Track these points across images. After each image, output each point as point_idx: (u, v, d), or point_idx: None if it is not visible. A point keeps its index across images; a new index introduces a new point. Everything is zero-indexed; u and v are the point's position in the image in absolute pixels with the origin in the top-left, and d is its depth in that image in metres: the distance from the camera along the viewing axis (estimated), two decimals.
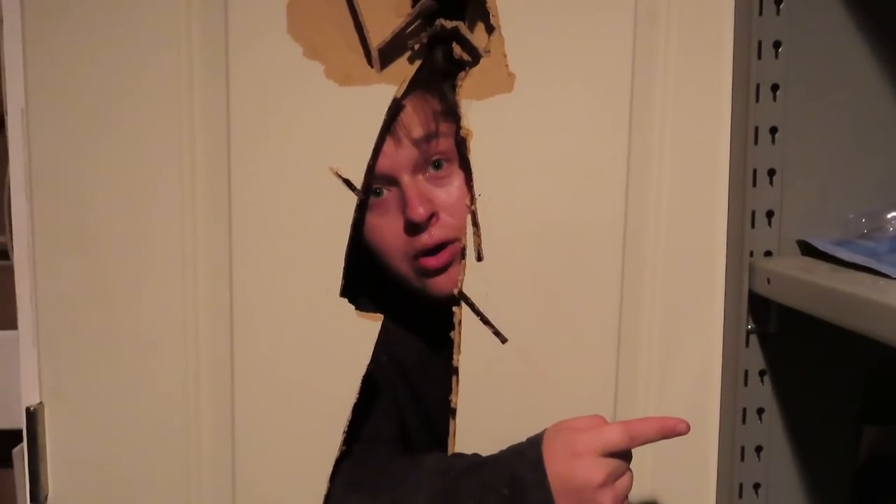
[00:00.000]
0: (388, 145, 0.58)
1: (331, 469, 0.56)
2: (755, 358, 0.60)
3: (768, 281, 0.55)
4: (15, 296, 0.54)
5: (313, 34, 0.53)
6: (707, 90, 0.57)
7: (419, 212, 0.58)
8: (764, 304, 0.58)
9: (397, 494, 0.54)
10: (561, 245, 0.57)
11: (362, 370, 0.56)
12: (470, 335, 0.57)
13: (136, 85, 0.53)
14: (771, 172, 0.59)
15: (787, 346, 0.60)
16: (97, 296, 0.54)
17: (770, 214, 0.59)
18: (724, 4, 0.57)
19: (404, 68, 0.56)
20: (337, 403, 0.56)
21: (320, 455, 0.56)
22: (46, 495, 0.55)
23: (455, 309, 0.57)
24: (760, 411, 0.61)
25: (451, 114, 0.59)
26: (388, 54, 0.55)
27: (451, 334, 0.57)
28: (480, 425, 0.58)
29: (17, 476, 0.85)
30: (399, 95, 0.55)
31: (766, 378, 0.60)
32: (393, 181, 0.60)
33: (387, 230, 0.61)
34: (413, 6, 0.55)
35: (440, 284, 0.60)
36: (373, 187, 0.60)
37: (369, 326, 0.56)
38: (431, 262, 0.60)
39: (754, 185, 0.58)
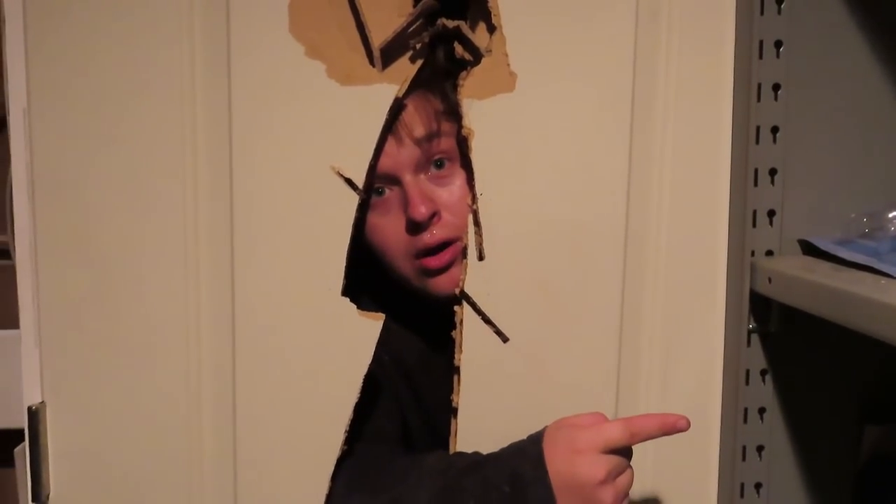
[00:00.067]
0: (390, 145, 0.58)
1: (332, 468, 0.56)
2: (756, 357, 0.60)
3: (770, 280, 0.56)
4: (17, 295, 0.54)
5: (315, 34, 0.54)
6: (708, 90, 0.57)
7: (421, 211, 0.58)
8: (765, 303, 0.58)
9: (398, 493, 0.54)
10: (562, 244, 0.57)
11: (364, 369, 0.56)
12: (471, 334, 0.57)
13: (137, 85, 0.53)
14: (772, 172, 0.59)
15: (789, 346, 0.60)
16: (99, 295, 0.54)
17: (771, 214, 0.59)
18: (726, 4, 0.57)
19: (406, 68, 0.56)
20: (338, 403, 0.56)
21: (322, 454, 0.56)
22: (48, 494, 0.55)
23: (456, 308, 0.57)
24: (762, 411, 0.61)
25: (453, 113, 0.59)
26: (389, 54, 0.55)
27: (453, 334, 0.57)
28: (482, 424, 0.58)
29: (19, 475, 0.85)
30: (401, 95, 0.55)
31: (768, 377, 0.60)
32: (395, 180, 0.60)
33: (388, 229, 0.61)
34: (415, 6, 0.55)
35: (442, 284, 0.60)
36: (374, 186, 0.60)
37: (371, 326, 0.56)
38: (433, 261, 0.60)
39: (756, 184, 0.59)
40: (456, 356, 0.57)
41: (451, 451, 0.58)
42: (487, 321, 0.57)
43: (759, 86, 0.58)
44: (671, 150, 0.58)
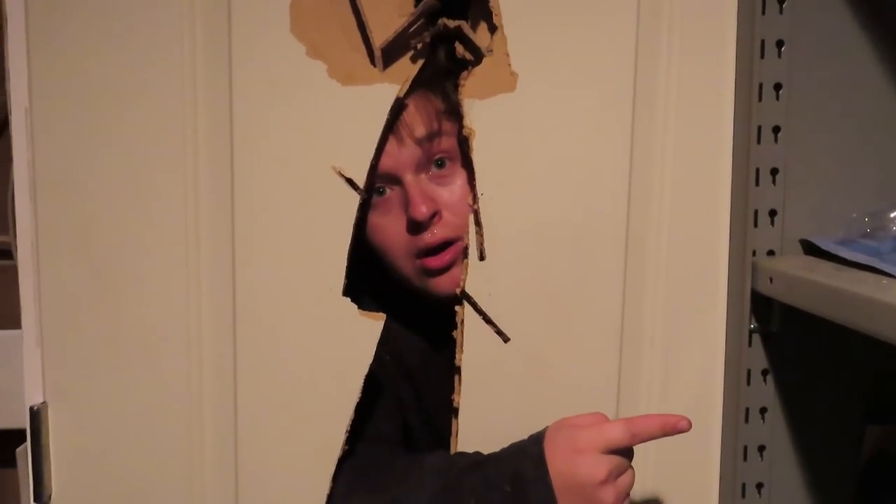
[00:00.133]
0: (391, 144, 0.58)
1: (333, 468, 0.56)
2: (758, 357, 0.60)
3: (771, 280, 0.55)
4: (18, 295, 0.54)
5: (316, 34, 0.54)
6: (710, 89, 0.57)
7: (422, 210, 0.58)
8: (767, 303, 0.58)
9: (399, 492, 0.54)
10: (563, 244, 0.57)
11: (365, 369, 0.56)
12: (472, 335, 0.57)
13: (139, 84, 0.53)
14: (774, 171, 0.59)
15: (790, 346, 0.60)
16: (101, 295, 0.54)
17: (773, 214, 0.59)
18: (727, 4, 0.57)
19: (407, 68, 0.56)
20: (339, 403, 0.56)
21: (323, 454, 0.56)
22: (50, 494, 0.55)
23: (457, 308, 0.57)
24: (763, 411, 0.61)
25: (454, 113, 0.59)
26: (390, 54, 0.55)
27: (454, 334, 0.57)
28: (483, 424, 0.58)
29: (21, 475, 0.85)
30: (402, 95, 0.55)
31: (769, 377, 0.60)
32: (396, 180, 0.60)
33: (389, 229, 0.61)
34: (416, 6, 0.55)
35: (443, 284, 0.60)
36: (375, 186, 0.60)
37: (372, 326, 0.56)
38: (434, 261, 0.60)
39: (757, 184, 0.58)
40: (457, 356, 0.57)
41: (452, 451, 0.58)
42: (488, 321, 0.57)
43: (761, 85, 0.58)
44: (672, 149, 0.57)
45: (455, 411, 0.58)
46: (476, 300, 0.57)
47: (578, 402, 0.57)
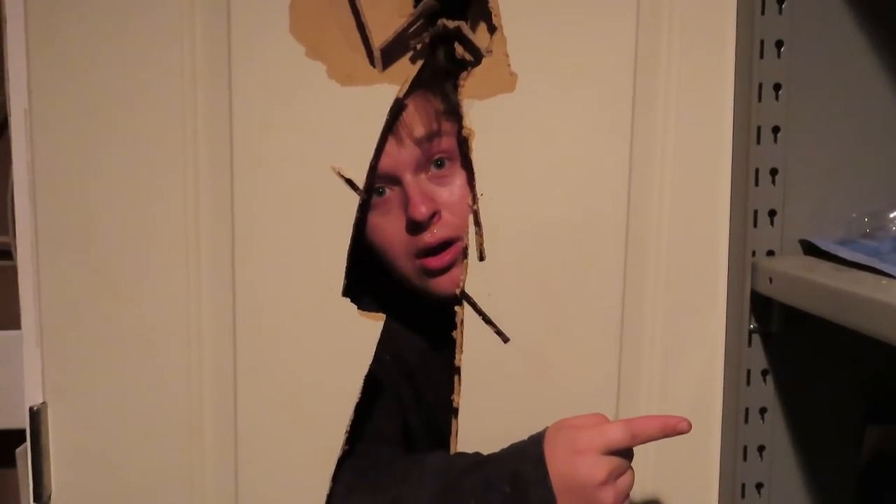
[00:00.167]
0: (391, 145, 0.58)
1: (333, 468, 0.56)
2: (758, 357, 0.60)
3: (771, 280, 0.55)
4: (18, 296, 0.54)
5: (315, 34, 0.54)
6: (709, 90, 0.57)
7: (421, 210, 0.58)
8: (766, 303, 0.58)
9: (399, 492, 0.55)
10: (563, 244, 0.57)
11: (364, 370, 0.56)
12: (472, 335, 0.57)
13: (138, 85, 0.53)
14: (773, 172, 0.59)
15: (790, 346, 0.60)
16: (100, 296, 0.54)
17: (772, 214, 0.59)
18: (727, 4, 0.57)
19: (406, 68, 0.56)
20: (339, 403, 0.56)
21: (323, 454, 0.56)
22: (50, 495, 0.55)
23: (457, 308, 0.57)
24: (763, 411, 0.61)
25: (454, 113, 0.59)
26: (390, 54, 0.55)
27: (454, 334, 0.57)
28: (483, 425, 0.58)
29: (21, 475, 0.85)
30: (401, 95, 0.55)
31: (769, 378, 0.60)
32: (395, 180, 0.60)
33: (389, 229, 0.61)
34: (415, 6, 0.55)
35: (442, 284, 0.60)
36: (375, 186, 0.60)
37: (371, 326, 0.56)
38: (433, 262, 0.60)
39: (756, 184, 0.58)
40: (457, 356, 0.57)
41: (452, 451, 0.58)
42: (488, 321, 0.57)
43: (761, 85, 0.58)
44: (672, 150, 0.57)
45: (455, 411, 0.58)
46: (476, 300, 0.57)
47: (578, 403, 0.57)
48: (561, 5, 0.55)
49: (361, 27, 0.54)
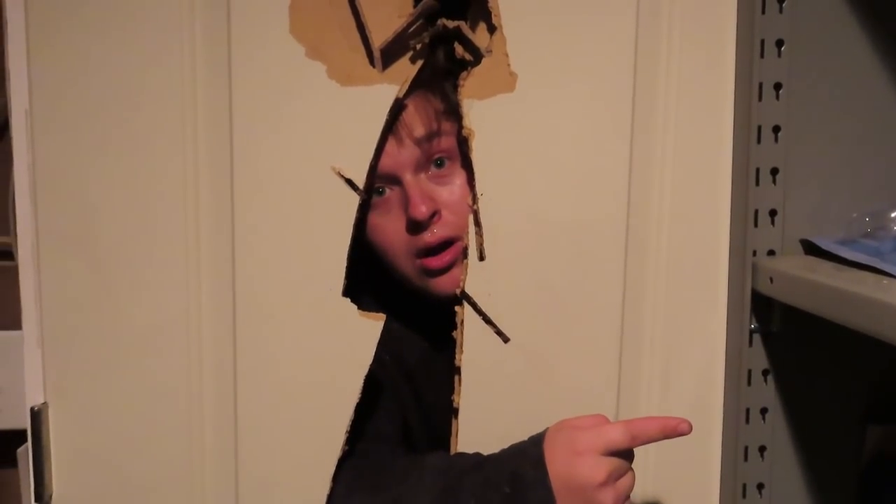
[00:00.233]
0: (391, 145, 0.58)
1: (333, 468, 0.56)
2: (758, 357, 0.60)
3: (771, 280, 0.55)
4: (19, 296, 0.54)
5: (315, 35, 0.54)
6: (710, 89, 0.57)
7: (421, 210, 0.58)
8: (767, 303, 0.58)
9: (399, 492, 0.55)
10: (563, 244, 0.57)
11: (364, 370, 0.56)
12: (472, 335, 0.57)
13: (139, 86, 0.53)
14: (774, 171, 0.58)
15: (791, 346, 0.60)
16: (101, 296, 0.54)
17: (773, 213, 0.59)
18: (727, 3, 0.57)
19: (406, 68, 0.56)
20: (339, 403, 0.56)
21: (323, 454, 0.56)
22: (51, 495, 0.55)
23: (457, 309, 0.57)
24: (764, 411, 0.61)
25: (454, 113, 0.59)
26: (390, 54, 0.55)
27: (454, 334, 0.57)
28: (483, 425, 0.58)
29: (22, 476, 0.85)
30: (401, 95, 0.55)
31: (770, 378, 0.60)
32: (395, 180, 0.60)
33: (389, 229, 0.61)
34: (415, 6, 0.55)
35: (443, 284, 0.60)
36: (375, 186, 0.60)
37: (371, 326, 0.56)
38: (434, 262, 0.60)
39: (757, 184, 0.58)
40: (457, 356, 0.57)
41: (452, 451, 0.58)
42: (488, 321, 0.57)
43: (761, 85, 0.57)
44: (672, 149, 0.57)
45: (455, 412, 0.58)
46: (476, 300, 0.57)
47: (578, 403, 0.57)
48: (561, 5, 0.55)
49: (361, 27, 0.54)
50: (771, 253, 0.59)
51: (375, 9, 0.54)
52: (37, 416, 0.54)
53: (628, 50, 0.56)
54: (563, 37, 0.55)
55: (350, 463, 0.57)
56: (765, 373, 0.60)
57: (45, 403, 0.55)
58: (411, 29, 0.55)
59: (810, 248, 0.59)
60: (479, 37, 0.56)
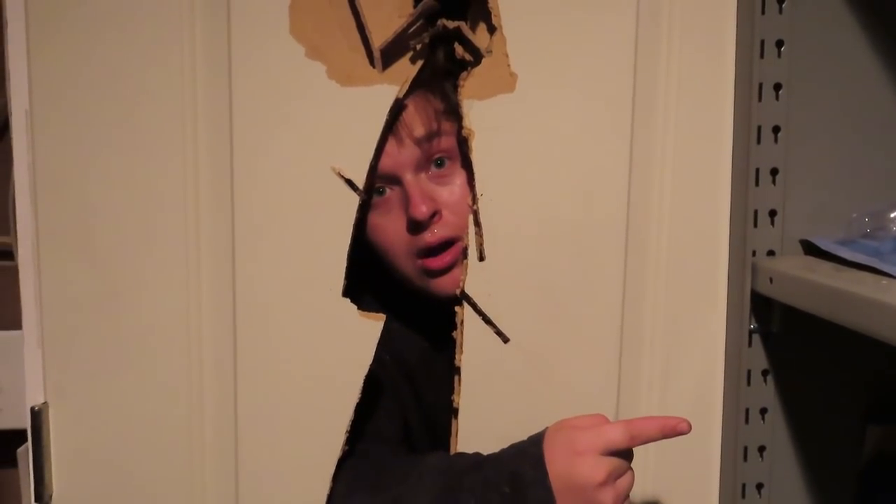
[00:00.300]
0: (391, 145, 0.58)
1: (333, 468, 0.56)
2: (758, 358, 0.60)
3: (771, 280, 0.55)
4: (19, 296, 0.54)
5: (315, 35, 0.54)
6: (709, 89, 0.57)
7: (422, 210, 0.58)
8: (767, 303, 0.58)
9: (399, 492, 0.55)
10: (563, 244, 0.57)
11: (364, 370, 0.56)
12: (472, 335, 0.57)
13: (139, 86, 0.53)
14: (774, 172, 0.58)
15: (790, 346, 0.60)
16: (101, 296, 0.54)
17: (773, 214, 0.59)
18: (727, 3, 0.57)
19: (406, 68, 0.56)
20: (339, 403, 0.56)
21: (323, 454, 0.56)
22: (51, 495, 0.55)
23: (457, 309, 0.57)
24: (763, 411, 0.61)
25: (454, 113, 0.59)
26: (390, 55, 0.55)
27: (454, 334, 0.57)
28: (483, 425, 0.58)
29: (22, 476, 0.85)
30: (401, 95, 0.55)
31: (769, 378, 0.60)
32: (395, 180, 0.60)
33: (390, 229, 0.61)
34: (415, 7, 0.55)
35: (443, 285, 0.60)
36: (375, 186, 0.60)
37: (371, 326, 0.56)
38: (434, 262, 0.60)
39: (757, 184, 0.58)
40: (457, 357, 0.57)
41: (452, 451, 0.58)
42: (488, 322, 0.57)
43: (761, 85, 0.57)
44: (672, 149, 0.57)
45: (455, 412, 0.58)
46: (476, 301, 0.57)
47: (578, 403, 0.57)
48: (561, 5, 0.55)
49: (361, 28, 0.54)
50: (771, 253, 0.59)
51: (375, 9, 0.54)
52: (37, 415, 0.54)
53: (628, 50, 0.56)
54: (563, 37, 0.56)
55: (350, 463, 0.57)
56: (764, 373, 0.60)
57: (45, 403, 0.55)
58: (411, 29, 0.55)
59: (810, 249, 0.59)
60: (479, 37, 0.56)
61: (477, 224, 0.57)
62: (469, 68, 0.56)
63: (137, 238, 0.54)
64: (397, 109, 0.57)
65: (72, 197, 0.54)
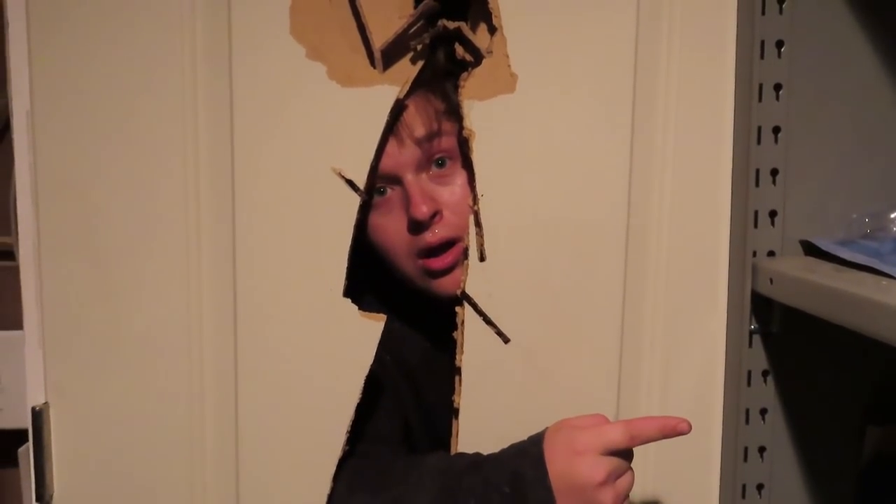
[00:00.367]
0: (391, 145, 0.58)
1: (334, 468, 0.56)
2: (758, 358, 0.60)
3: (771, 281, 0.55)
4: (21, 296, 0.54)
5: (316, 36, 0.54)
6: (710, 90, 0.57)
7: (422, 210, 0.58)
8: (767, 304, 0.58)
9: (399, 492, 0.55)
10: (563, 245, 0.57)
11: (365, 370, 0.56)
12: (473, 335, 0.57)
13: (140, 87, 0.53)
14: (774, 172, 0.58)
15: (791, 347, 0.60)
16: (102, 296, 0.54)
17: (773, 214, 0.59)
18: (727, 4, 0.57)
19: (407, 69, 0.56)
20: (340, 403, 0.56)
21: (324, 455, 0.56)
22: (52, 494, 0.55)
23: (458, 309, 0.57)
24: (763, 412, 0.61)
25: (454, 113, 0.59)
26: (390, 55, 0.55)
27: (454, 334, 0.58)
28: (483, 425, 0.58)
29: (23, 475, 0.85)
30: (401, 96, 0.55)
31: (770, 378, 0.60)
32: (396, 180, 0.60)
33: (391, 229, 0.61)
34: (415, 7, 0.55)
35: (445, 285, 0.60)
36: (376, 186, 0.60)
37: (372, 327, 0.56)
38: (436, 263, 0.60)
39: (757, 184, 0.58)
40: (457, 357, 0.57)
41: (452, 451, 0.58)
42: (489, 322, 0.57)
43: (761, 86, 0.58)
44: (672, 150, 0.57)
45: (455, 412, 0.58)
46: (476, 301, 0.57)
47: (578, 403, 0.57)
48: (561, 6, 0.55)
49: (362, 28, 0.54)
50: (771, 254, 0.59)
51: (376, 10, 0.54)
52: (38, 415, 0.54)
53: (628, 51, 0.56)
54: (564, 38, 0.56)
55: (350, 463, 0.57)
56: (764, 373, 0.60)
57: (46, 403, 0.55)
58: (412, 30, 0.55)
59: (810, 249, 0.59)
60: (480, 37, 0.56)
61: (478, 224, 0.57)
62: (469, 69, 0.56)
63: (138, 238, 0.54)
64: (398, 110, 0.57)
65: (73, 197, 0.54)
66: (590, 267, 0.58)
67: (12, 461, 0.84)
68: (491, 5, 0.55)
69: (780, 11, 0.57)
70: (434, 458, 0.57)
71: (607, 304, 0.58)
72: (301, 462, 0.57)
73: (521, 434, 0.55)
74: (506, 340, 0.58)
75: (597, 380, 0.59)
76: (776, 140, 0.58)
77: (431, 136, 0.59)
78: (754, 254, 0.59)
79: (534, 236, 0.57)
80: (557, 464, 0.51)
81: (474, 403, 0.58)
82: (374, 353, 0.56)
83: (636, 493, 0.54)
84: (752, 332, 0.60)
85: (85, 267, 0.54)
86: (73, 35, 0.52)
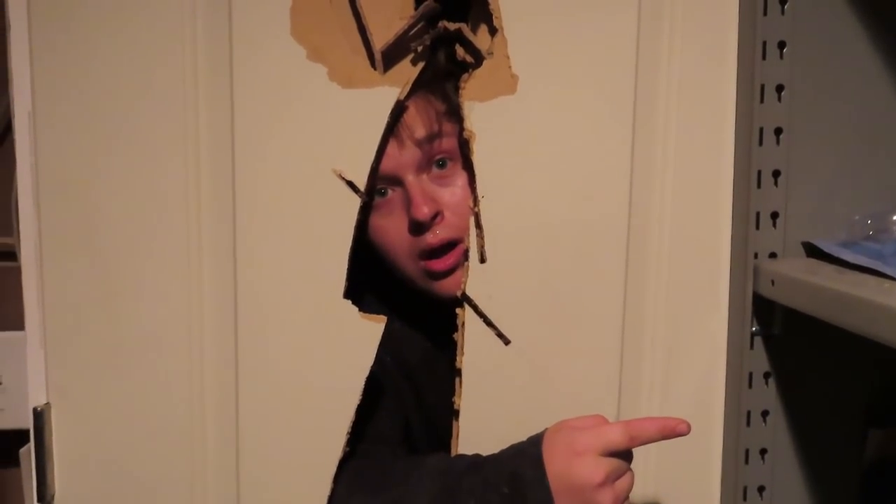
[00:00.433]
0: (392, 146, 0.58)
1: (334, 469, 0.56)
2: (759, 360, 0.60)
3: (773, 283, 0.55)
4: (22, 297, 0.54)
5: (317, 37, 0.54)
6: (711, 91, 0.57)
7: (423, 211, 0.58)
8: (768, 306, 0.58)
9: (399, 493, 0.55)
10: (564, 247, 0.57)
11: (366, 371, 0.56)
12: (473, 337, 0.57)
13: (141, 88, 0.53)
14: (776, 173, 0.58)
15: (792, 349, 0.60)
16: (104, 297, 0.54)
17: (775, 216, 0.59)
18: (729, 5, 0.56)
19: (407, 70, 0.56)
20: (340, 404, 0.56)
21: (324, 456, 0.56)
22: (53, 495, 0.55)
23: (458, 310, 0.57)
24: (765, 414, 0.61)
25: (455, 114, 0.59)
26: (391, 56, 0.55)
27: (455, 336, 0.57)
28: (483, 427, 0.58)
29: (25, 476, 0.85)
30: (402, 97, 0.55)
31: (771, 380, 0.60)
32: (397, 181, 0.60)
33: (392, 230, 0.61)
34: (416, 8, 0.55)
35: (446, 286, 0.60)
36: (377, 188, 0.60)
37: (372, 328, 0.56)
38: (437, 264, 0.60)
39: (759, 186, 0.58)
40: (458, 358, 0.57)
41: (453, 453, 0.58)
42: (489, 323, 0.57)
43: (763, 87, 0.57)
44: (673, 151, 0.57)
45: (456, 413, 0.58)
46: (477, 302, 0.57)
47: (579, 405, 0.57)
48: (562, 7, 0.55)
49: (362, 29, 0.54)
50: (772, 255, 0.59)
51: (376, 11, 0.54)
52: (39, 416, 0.54)
53: (630, 52, 0.56)
54: (565, 39, 0.55)
55: (351, 464, 0.57)
56: (766, 375, 0.60)
57: (47, 404, 0.55)
58: (412, 31, 0.55)
59: (812, 251, 0.59)
60: (481, 39, 0.56)
61: (478, 226, 0.57)
62: (470, 70, 0.56)
63: (140, 239, 0.54)
64: (398, 111, 0.57)
65: (74, 198, 0.54)
66: (591, 268, 0.58)
67: (14, 461, 0.84)
68: (492, 6, 0.55)
69: (782, 12, 0.57)
70: (434, 459, 0.57)
71: (608, 305, 0.58)
72: (301, 463, 0.57)
73: (521, 435, 0.55)
74: (506, 342, 0.58)
75: (597, 381, 0.59)
76: (778, 141, 0.58)
77: (432, 138, 0.59)
78: (756, 255, 0.59)
79: (534, 238, 0.57)
80: (556, 464, 0.51)
81: (475, 405, 0.58)
82: (374, 354, 0.56)
83: (637, 495, 0.54)
84: (753, 334, 0.59)
85: (86, 267, 0.54)
86: (75, 36, 0.52)
